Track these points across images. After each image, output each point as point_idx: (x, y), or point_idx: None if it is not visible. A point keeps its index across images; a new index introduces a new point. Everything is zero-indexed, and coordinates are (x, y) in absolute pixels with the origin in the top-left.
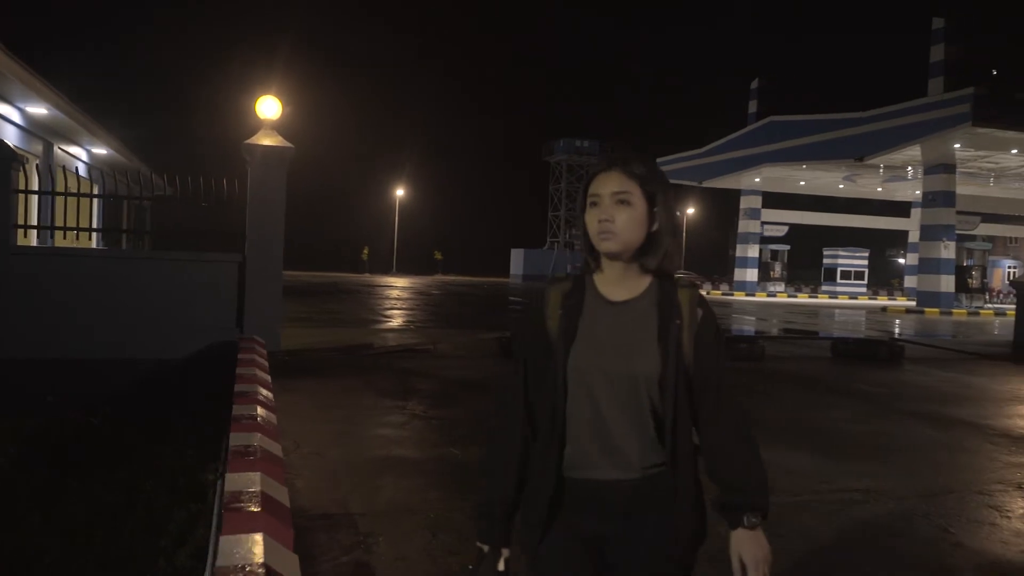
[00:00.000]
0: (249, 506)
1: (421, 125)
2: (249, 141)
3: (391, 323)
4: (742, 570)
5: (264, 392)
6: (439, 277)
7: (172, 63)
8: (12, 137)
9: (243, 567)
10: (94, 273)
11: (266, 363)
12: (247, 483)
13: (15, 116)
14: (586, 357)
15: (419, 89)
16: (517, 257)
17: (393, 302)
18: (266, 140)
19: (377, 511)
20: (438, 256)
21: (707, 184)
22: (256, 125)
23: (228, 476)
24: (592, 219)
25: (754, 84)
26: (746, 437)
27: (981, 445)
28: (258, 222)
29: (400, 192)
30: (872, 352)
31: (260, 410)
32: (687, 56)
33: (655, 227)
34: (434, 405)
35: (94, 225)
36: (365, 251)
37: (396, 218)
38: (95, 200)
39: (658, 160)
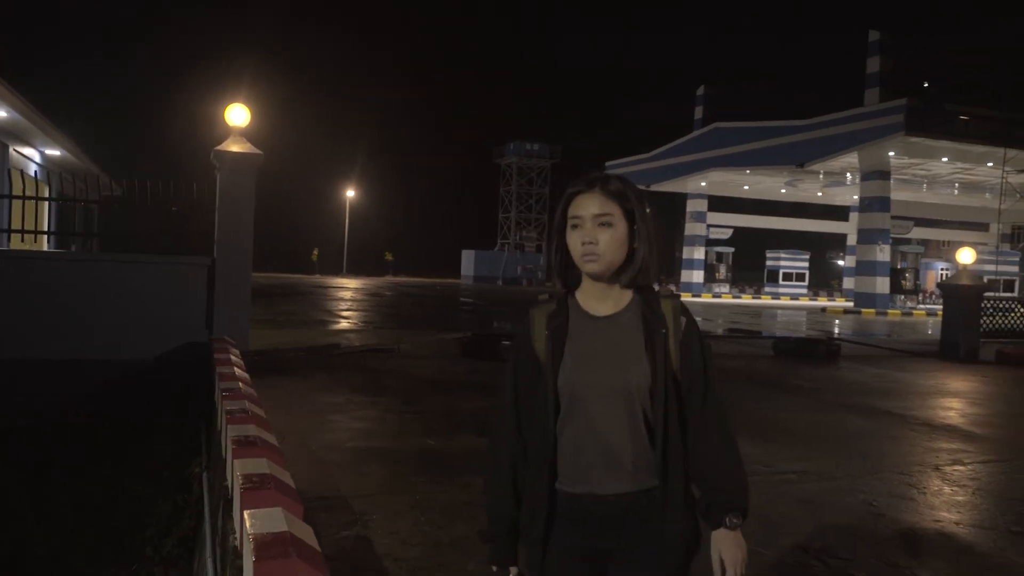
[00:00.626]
0: (262, 486)
1: (370, 126)
2: (219, 148)
3: (350, 324)
4: (722, 569)
5: (248, 389)
6: (390, 278)
7: (128, 71)
8: None
9: (273, 535)
10: (64, 276)
11: (242, 362)
12: (256, 467)
13: None
14: (576, 374)
15: (368, 90)
16: (468, 258)
17: (348, 303)
18: (235, 147)
19: (367, 494)
20: (389, 257)
21: (655, 188)
22: (224, 132)
23: (236, 462)
24: (575, 242)
25: (700, 91)
26: (729, 442)
27: (905, 433)
28: (227, 226)
29: (350, 193)
30: (811, 350)
31: (249, 404)
32: (636, 60)
33: (636, 244)
34: (405, 401)
35: (46, 227)
36: (315, 252)
37: (347, 219)
38: (48, 202)
39: (608, 164)
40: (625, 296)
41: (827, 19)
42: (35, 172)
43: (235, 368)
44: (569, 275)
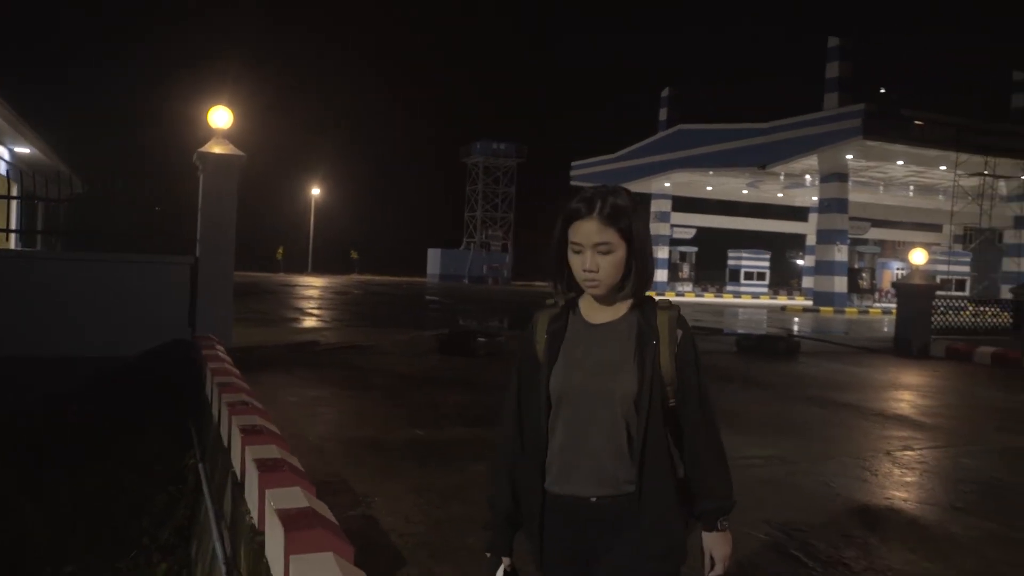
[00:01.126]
0: (277, 468)
1: (336, 125)
2: (202, 149)
3: (323, 322)
4: (711, 565)
5: (242, 383)
6: (355, 276)
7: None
8: None
9: (297, 510)
10: (48, 274)
11: (230, 359)
12: (267, 452)
13: None
14: (566, 377)
15: (334, 89)
16: (434, 257)
17: (318, 302)
18: (218, 148)
19: (366, 478)
20: (354, 256)
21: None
22: (206, 134)
23: (248, 448)
24: (577, 267)
25: (664, 92)
26: (719, 450)
27: (860, 423)
28: (210, 225)
29: (316, 191)
30: (772, 347)
31: (248, 397)
32: (602, 61)
33: (635, 262)
34: (389, 395)
35: (12, 226)
36: (280, 250)
37: (312, 217)
38: (12, 201)
39: (573, 164)
40: (624, 306)
41: (787, 19)
42: (6, 171)
43: (226, 364)
44: (574, 283)
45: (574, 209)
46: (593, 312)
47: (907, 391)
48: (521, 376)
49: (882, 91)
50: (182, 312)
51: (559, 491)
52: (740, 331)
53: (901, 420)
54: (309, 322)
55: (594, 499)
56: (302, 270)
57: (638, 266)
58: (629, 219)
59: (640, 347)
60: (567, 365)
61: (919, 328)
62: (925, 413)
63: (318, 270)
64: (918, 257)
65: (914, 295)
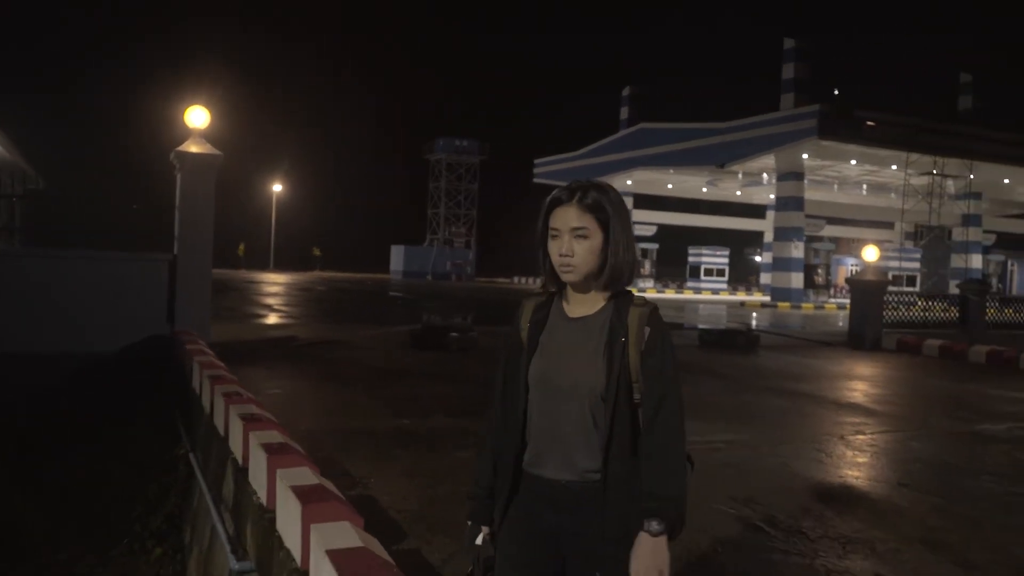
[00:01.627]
0: (283, 451)
1: (298, 121)
2: (180, 148)
3: (293, 319)
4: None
5: (232, 376)
6: (318, 273)
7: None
8: None
9: (309, 486)
10: (30, 272)
11: (212, 353)
12: (270, 437)
13: None
14: (541, 367)
15: (295, 85)
16: (397, 253)
17: (285, 298)
18: (195, 148)
19: (360, 463)
20: (316, 253)
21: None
22: (183, 133)
23: (252, 433)
24: (554, 252)
25: (626, 91)
26: (675, 452)
27: (816, 410)
28: (188, 224)
29: (277, 188)
30: (732, 341)
31: (240, 388)
32: (564, 60)
33: (611, 252)
34: (370, 388)
35: None
36: (241, 247)
37: (273, 214)
38: None
39: (536, 162)
40: (601, 300)
41: (746, 19)
42: None
43: (211, 357)
44: (554, 280)
45: (555, 197)
46: (573, 305)
47: (860, 381)
48: (507, 360)
49: (836, 92)
50: (161, 308)
51: (534, 472)
52: (701, 326)
53: (854, 407)
54: (279, 319)
55: (563, 482)
56: (264, 267)
57: (614, 259)
58: (608, 211)
59: (609, 342)
60: (542, 355)
61: (871, 322)
62: (876, 401)
63: (280, 267)
64: (870, 254)
65: (867, 291)
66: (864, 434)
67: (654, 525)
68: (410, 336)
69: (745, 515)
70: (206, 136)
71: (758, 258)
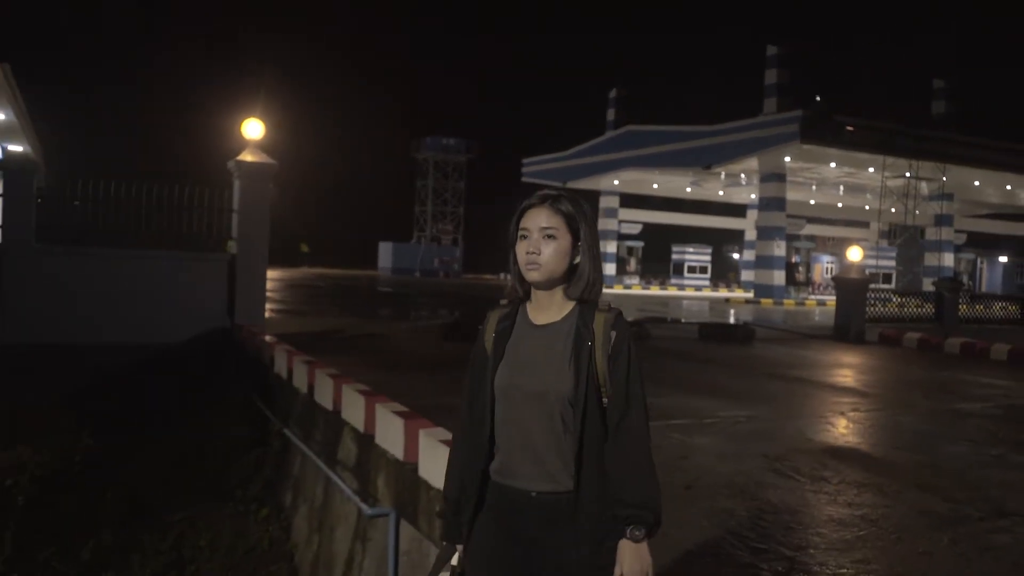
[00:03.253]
0: (411, 417)
1: (285, 119)
2: (238, 158)
3: (318, 314)
4: None
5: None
6: (306, 270)
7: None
8: None
9: (444, 440)
10: (108, 270)
11: (290, 344)
12: (395, 407)
13: None
14: (507, 375)
15: (283, 83)
16: (385, 250)
17: (291, 293)
18: (251, 157)
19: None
20: (305, 249)
21: (570, 185)
22: (240, 144)
23: (379, 405)
24: (521, 251)
25: (612, 93)
26: (643, 456)
27: (816, 392)
28: (246, 226)
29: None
30: (731, 334)
31: (336, 370)
32: (552, 60)
33: (578, 259)
34: (428, 374)
35: None
36: (229, 243)
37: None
38: None
39: (525, 161)
40: (566, 307)
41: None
42: None
43: (290, 347)
44: (524, 286)
45: (528, 203)
46: (538, 313)
47: (849, 369)
48: (473, 371)
49: (818, 98)
50: (222, 303)
51: (504, 483)
52: (695, 320)
53: (848, 390)
54: (305, 314)
55: (534, 493)
56: None
57: (585, 266)
58: (579, 219)
59: (576, 348)
60: (509, 364)
61: (855, 317)
62: (866, 385)
63: (268, 263)
64: (854, 254)
65: (851, 288)
66: (860, 411)
67: (636, 532)
68: (441, 329)
69: (777, 467)
70: (262, 146)
71: (736, 255)
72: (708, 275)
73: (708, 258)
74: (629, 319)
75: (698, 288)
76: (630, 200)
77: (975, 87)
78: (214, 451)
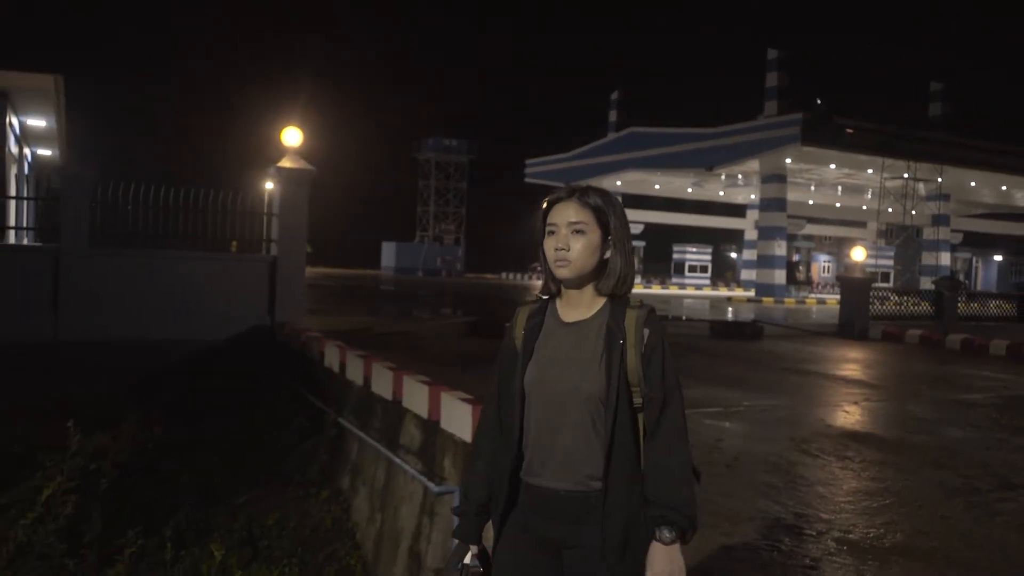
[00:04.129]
0: (478, 402)
1: (287, 117)
2: (279, 164)
3: (342, 313)
4: None
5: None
6: (309, 269)
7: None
8: None
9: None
10: (155, 270)
11: (340, 340)
12: (459, 395)
13: None
14: (537, 373)
15: (284, 84)
16: (389, 250)
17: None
18: (291, 164)
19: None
20: (308, 249)
21: (574, 186)
22: (278, 151)
23: (444, 394)
24: (549, 247)
25: (614, 95)
26: (680, 456)
27: (829, 384)
28: (286, 229)
29: (269, 185)
30: (741, 331)
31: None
32: (555, 61)
33: (608, 254)
34: (464, 367)
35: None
36: (234, 243)
37: (265, 210)
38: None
39: (528, 162)
40: (597, 304)
41: (733, 26)
42: (28, 171)
43: (338, 343)
44: (555, 281)
45: (555, 197)
46: (567, 310)
47: (857, 364)
48: (501, 368)
49: (818, 101)
50: (263, 302)
51: (532, 482)
52: (702, 318)
53: (858, 382)
54: (329, 313)
55: (563, 492)
56: None
57: (616, 261)
58: (608, 212)
59: (608, 346)
60: (538, 362)
61: (859, 314)
62: (874, 378)
63: None
64: (858, 254)
65: (855, 287)
66: (871, 401)
67: (666, 534)
68: (466, 326)
69: (804, 448)
70: (300, 153)
71: (734, 254)
72: (708, 274)
73: (709, 257)
74: None
75: (699, 287)
76: (632, 200)
77: (972, 88)
78: (272, 440)
